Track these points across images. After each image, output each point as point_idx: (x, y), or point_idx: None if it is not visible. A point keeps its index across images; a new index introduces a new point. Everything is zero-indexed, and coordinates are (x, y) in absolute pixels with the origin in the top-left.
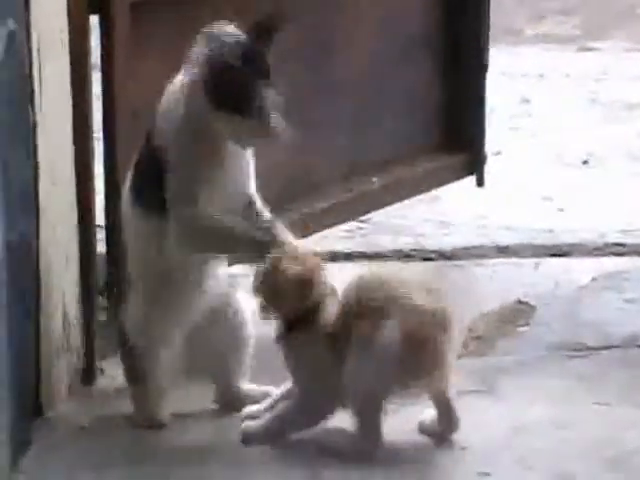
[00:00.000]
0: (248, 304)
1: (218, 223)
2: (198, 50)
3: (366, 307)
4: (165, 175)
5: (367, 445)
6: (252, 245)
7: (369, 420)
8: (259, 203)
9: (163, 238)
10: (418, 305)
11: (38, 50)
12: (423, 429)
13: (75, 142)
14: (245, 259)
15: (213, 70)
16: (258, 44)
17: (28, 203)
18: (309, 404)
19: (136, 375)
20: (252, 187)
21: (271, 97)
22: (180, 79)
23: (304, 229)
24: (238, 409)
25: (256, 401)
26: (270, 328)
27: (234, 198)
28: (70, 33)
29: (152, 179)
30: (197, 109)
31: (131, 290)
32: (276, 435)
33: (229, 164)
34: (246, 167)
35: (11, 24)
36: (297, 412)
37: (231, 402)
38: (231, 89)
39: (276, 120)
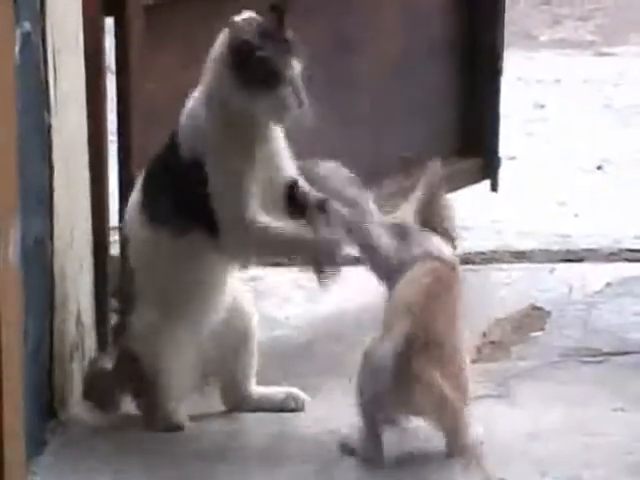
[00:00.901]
0: (253, 307)
1: (279, 230)
2: (218, 42)
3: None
4: (201, 187)
5: (368, 453)
6: (318, 246)
7: (367, 430)
8: (302, 182)
9: (183, 254)
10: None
11: (53, 52)
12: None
13: (90, 144)
14: (309, 261)
15: (234, 51)
16: (273, 21)
17: (43, 205)
18: None
19: (144, 387)
20: (292, 168)
21: (297, 69)
22: (200, 88)
23: None
24: (247, 411)
25: (264, 403)
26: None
27: (277, 184)
28: (85, 35)
29: (176, 194)
30: (225, 96)
31: (139, 303)
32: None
33: (266, 151)
34: (282, 150)
35: (27, 26)
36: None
37: (240, 404)
38: (256, 65)
39: (304, 91)
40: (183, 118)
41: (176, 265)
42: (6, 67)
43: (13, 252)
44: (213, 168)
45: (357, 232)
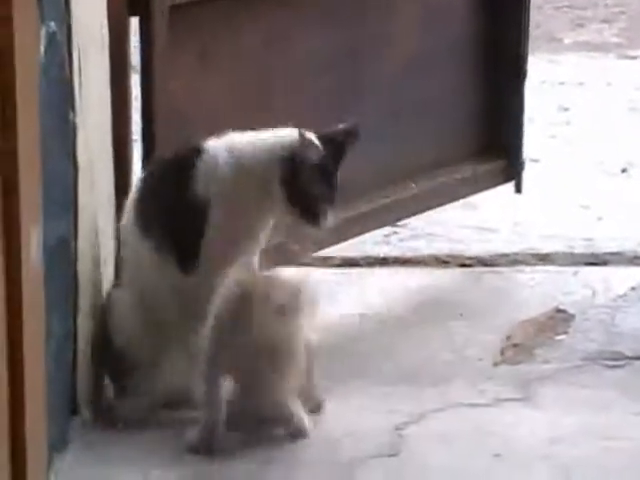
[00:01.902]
0: None
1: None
2: (286, 140)
3: None
4: (203, 226)
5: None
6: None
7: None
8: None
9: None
10: None
11: (79, 51)
12: None
13: (114, 143)
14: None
15: (291, 169)
16: (332, 158)
17: (67, 205)
18: None
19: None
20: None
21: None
22: (259, 142)
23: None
24: None
25: None
26: None
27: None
28: (110, 35)
29: (171, 211)
30: (266, 188)
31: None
32: None
33: (262, 235)
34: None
35: (52, 25)
36: None
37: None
38: (303, 190)
39: (328, 219)
40: (209, 153)
41: (154, 273)
42: (30, 67)
43: (36, 252)
44: (218, 218)
45: None
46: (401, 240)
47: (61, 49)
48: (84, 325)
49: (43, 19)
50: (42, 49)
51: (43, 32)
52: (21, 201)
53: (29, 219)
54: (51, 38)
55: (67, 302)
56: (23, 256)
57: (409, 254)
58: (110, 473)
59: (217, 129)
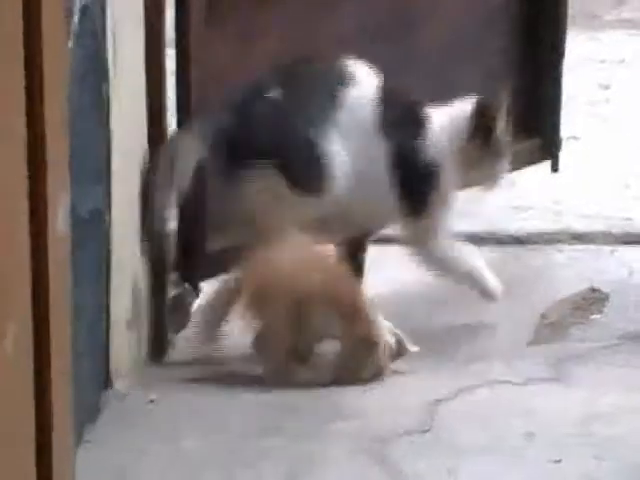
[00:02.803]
0: None
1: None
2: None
3: None
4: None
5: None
6: None
7: None
8: None
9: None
10: None
11: (113, 23)
12: None
13: (149, 117)
14: None
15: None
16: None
17: (101, 176)
18: None
19: None
20: None
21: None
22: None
23: None
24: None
25: None
26: None
27: None
28: (146, 9)
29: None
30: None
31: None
32: None
33: None
34: None
35: None
36: None
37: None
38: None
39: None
40: (446, 117)
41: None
42: (58, 33)
43: (63, 222)
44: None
45: None
46: None
47: (94, 21)
48: (118, 297)
49: None
50: (76, 21)
51: (77, 4)
52: (48, 168)
53: (56, 187)
54: (84, 11)
55: (100, 275)
56: (50, 225)
57: None
58: (142, 443)
59: None
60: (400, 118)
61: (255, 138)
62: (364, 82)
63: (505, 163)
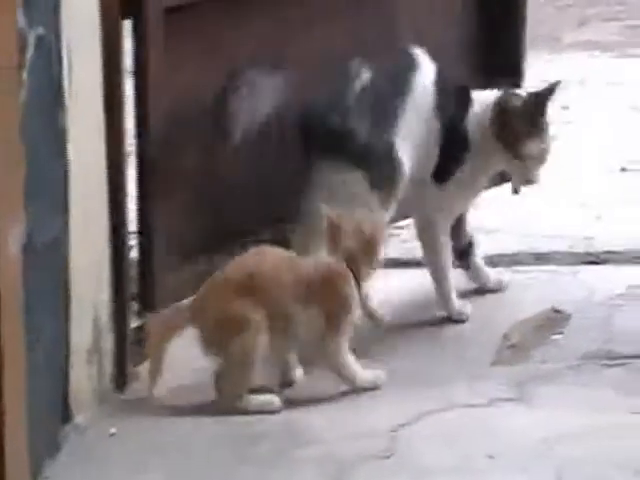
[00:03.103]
0: None
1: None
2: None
3: None
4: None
5: None
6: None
7: None
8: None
9: None
10: None
11: (69, 54)
12: None
13: (108, 146)
14: None
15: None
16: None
17: (58, 204)
18: None
19: None
20: None
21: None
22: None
23: None
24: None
25: None
26: None
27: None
28: (103, 37)
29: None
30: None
31: None
32: None
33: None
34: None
35: (40, 30)
36: None
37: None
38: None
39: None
40: (481, 106)
41: None
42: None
43: (14, 250)
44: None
45: None
46: (403, 241)
47: (50, 51)
48: (76, 329)
49: (31, 25)
50: (31, 52)
51: (32, 36)
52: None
53: (6, 218)
54: (39, 41)
55: (58, 304)
56: (1, 255)
57: (409, 255)
58: (103, 479)
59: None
60: (451, 100)
61: (347, 139)
62: (426, 67)
63: (525, 165)
